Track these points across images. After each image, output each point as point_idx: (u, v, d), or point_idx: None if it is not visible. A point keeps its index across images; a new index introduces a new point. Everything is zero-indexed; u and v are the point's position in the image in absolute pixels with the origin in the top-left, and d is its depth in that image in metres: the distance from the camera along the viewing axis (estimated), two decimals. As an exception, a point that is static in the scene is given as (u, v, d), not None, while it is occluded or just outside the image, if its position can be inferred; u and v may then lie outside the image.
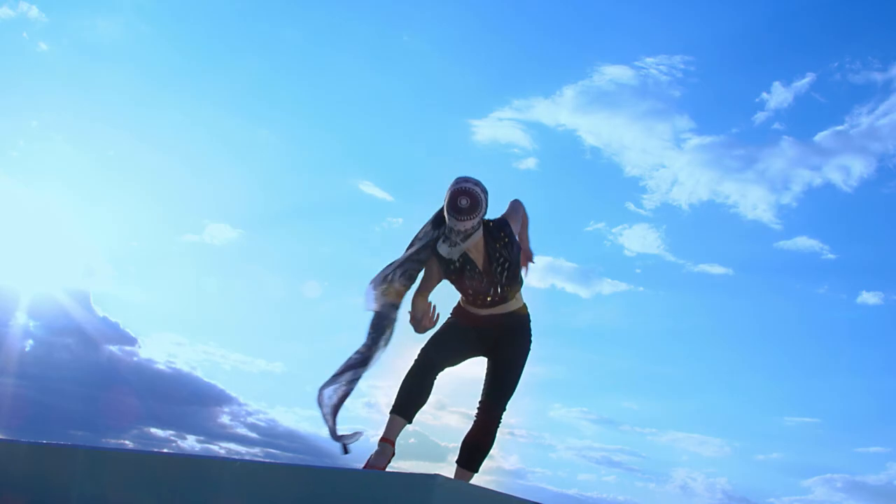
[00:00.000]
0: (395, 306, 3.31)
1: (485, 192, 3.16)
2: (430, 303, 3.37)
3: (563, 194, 15.91)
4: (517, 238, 3.42)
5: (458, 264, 3.31)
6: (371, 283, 3.33)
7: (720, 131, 15.47)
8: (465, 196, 3.09)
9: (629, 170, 15.03)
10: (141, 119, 15.07)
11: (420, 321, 3.34)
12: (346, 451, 3.26)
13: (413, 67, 15.41)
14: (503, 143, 14.68)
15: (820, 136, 14.58)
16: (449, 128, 15.56)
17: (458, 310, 3.55)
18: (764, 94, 14.39)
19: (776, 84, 14.26)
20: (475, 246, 3.29)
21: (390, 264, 3.33)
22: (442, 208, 3.26)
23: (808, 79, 14.08)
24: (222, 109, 15.18)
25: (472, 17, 14.95)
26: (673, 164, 14.74)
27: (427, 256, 3.33)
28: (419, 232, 3.37)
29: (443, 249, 3.25)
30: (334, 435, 3.27)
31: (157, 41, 14.90)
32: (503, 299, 3.42)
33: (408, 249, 3.36)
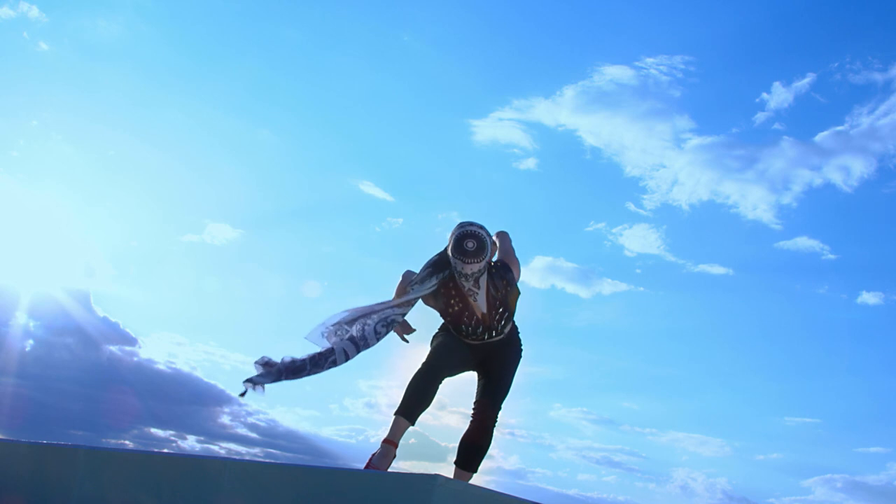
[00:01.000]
0: (358, 348, 3.22)
1: (489, 235, 3.21)
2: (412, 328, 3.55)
3: (563, 194, 15.94)
4: (517, 283, 3.44)
5: (457, 307, 3.33)
6: (341, 322, 3.24)
7: (720, 131, 15.49)
8: (472, 239, 3.14)
9: (629, 170, 15.05)
10: (141, 119, 15.09)
11: (405, 329, 3.52)
12: (243, 393, 3.12)
13: (413, 67, 15.43)
14: (503, 143, 14.70)
15: (820, 137, 14.61)
16: (449, 128, 15.58)
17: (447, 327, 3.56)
18: (764, 94, 14.42)
19: (776, 84, 14.29)
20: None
21: (376, 304, 3.30)
22: (441, 253, 3.29)
23: (808, 79, 14.11)
24: (222, 109, 15.20)
25: (472, 17, 14.97)
26: (673, 164, 14.77)
27: (413, 303, 3.37)
28: (415, 276, 3.36)
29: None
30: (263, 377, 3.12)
31: (157, 41, 14.92)
32: (494, 336, 3.45)
33: (400, 296, 3.36)
